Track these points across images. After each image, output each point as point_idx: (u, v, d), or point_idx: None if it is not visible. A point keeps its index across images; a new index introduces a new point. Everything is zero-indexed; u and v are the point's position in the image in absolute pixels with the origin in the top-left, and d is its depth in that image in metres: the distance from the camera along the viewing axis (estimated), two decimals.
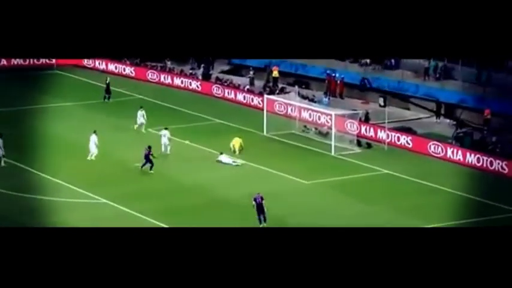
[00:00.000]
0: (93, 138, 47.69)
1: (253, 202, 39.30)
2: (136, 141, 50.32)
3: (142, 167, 45.77)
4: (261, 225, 39.01)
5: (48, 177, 44.96)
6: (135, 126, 52.75)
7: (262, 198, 39.30)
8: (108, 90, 60.04)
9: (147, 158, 45.63)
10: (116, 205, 41.54)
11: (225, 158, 47.69)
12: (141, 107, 53.56)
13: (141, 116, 52.81)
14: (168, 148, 48.79)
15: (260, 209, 39.19)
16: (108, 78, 61.02)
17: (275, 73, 63.55)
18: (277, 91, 60.43)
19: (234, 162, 47.58)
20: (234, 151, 49.11)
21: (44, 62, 67.58)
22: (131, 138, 51.53)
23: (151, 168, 45.57)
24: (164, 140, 48.86)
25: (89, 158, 47.47)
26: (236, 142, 49.37)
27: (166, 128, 49.63)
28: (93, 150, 47.54)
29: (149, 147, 45.85)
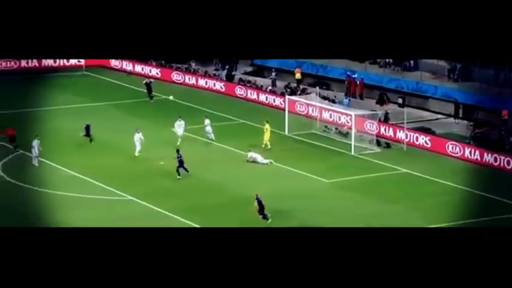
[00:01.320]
0: (137, 136, 47.68)
1: (256, 201, 39.03)
2: (162, 140, 50.27)
3: (179, 173, 44.51)
4: (269, 222, 38.78)
5: (76, 174, 44.99)
6: (136, 152, 48.20)
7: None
8: (150, 91, 60.37)
9: (180, 162, 44.59)
10: (142, 202, 41.35)
11: (254, 155, 47.40)
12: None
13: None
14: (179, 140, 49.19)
15: (261, 206, 38.96)
16: (148, 80, 61.38)
17: (298, 75, 63.35)
18: (299, 92, 60.22)
19: (262, 160, 47.22)
20: (266, 145, 49.19)
21: (73, 63, 67.65)
22: (157, 138, 51.38)
23: (179, 171, 44.59)
24: (180, 132, 49.79)
25: (136, 154, 47.44)
26: (266, 134, 49.53)
27: (179, 117, 50.33)
28: (138, 146, 47.44)
29: (177, 151, 45.21)
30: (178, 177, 44.49)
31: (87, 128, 50.67)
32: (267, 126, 50.29)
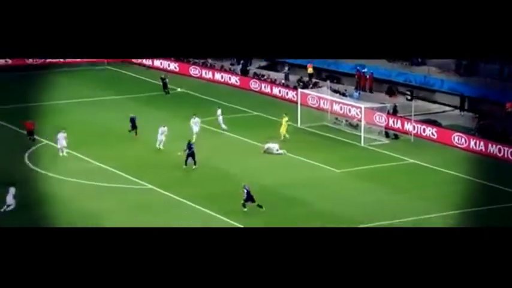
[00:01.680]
0: (162, 130, 47.39)
1: (244, 190, 38.82)
2: (182, 131, 50.46)
3: (186, 163, 44.33)
4: (245, 209, 38.74)
5: (100, 164, 45.03)
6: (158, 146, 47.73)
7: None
8: (165, 86, 60.21)
9: (192, 154, 44.20)
10: (161, 191, 41.35)
11: (271, 145, 47.36)
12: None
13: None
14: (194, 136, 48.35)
15: (249, 196, 38.75)
16: (164, 74, 61.16)
17: (310, 69, 63.27)
18: (311, 86, 60.18)
19: (277, 150, 47.17)
20: (284, 137, 49.23)
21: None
22: (176, 129, 51.46)
23: (188, 162, 44.44)
24: (195, 129, 48.86)
25: (157, 146, 47.23)
26: (283, 126, 49.58)
27: (194, 114, 49.67)
28: (160, 138, 47.24)
29: (189, 142, 45.01)
30: (184, 166, 44.22)
31: (133, 120, 49.69)
32: (286, 118, 50.23)
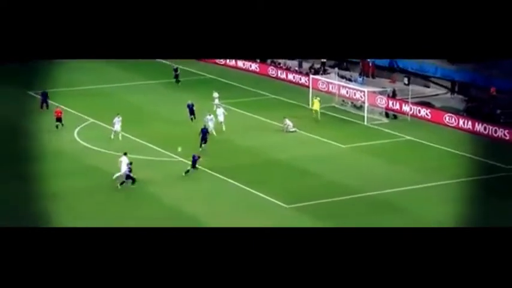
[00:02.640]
0: (208, 118, 45.34)
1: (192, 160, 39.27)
2: (202, 112, 50.95)
3: (201, 145, 42.78)
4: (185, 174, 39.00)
5: (136, 138, 45.44)
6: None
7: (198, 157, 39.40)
8: (176, 76, 58.05)
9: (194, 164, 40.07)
10: (189, 162, 41.73)
11: (289, 122, 47.33)
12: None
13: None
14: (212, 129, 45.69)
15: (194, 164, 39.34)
16: (175, 65, 58.93)
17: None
18: (321, 72, 60.40)
19: (291, 128, 47.05)
20: (316, 112, 49.34)
21: None
22: (201, 110, 51.92)
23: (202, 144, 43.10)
24: (210, 125, 45.71)
25: (214, 133, 45.19)
26: (316, 104, 49.62)
27: (208, 113, 46.64)
28: (211, 126, 45.28)
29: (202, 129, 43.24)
30: (200, 148, 42.91)
31: (190, 107, 47.49)
32: (318, 98, 50.30)
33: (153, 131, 47.43)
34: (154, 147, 44.34)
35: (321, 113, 51.18)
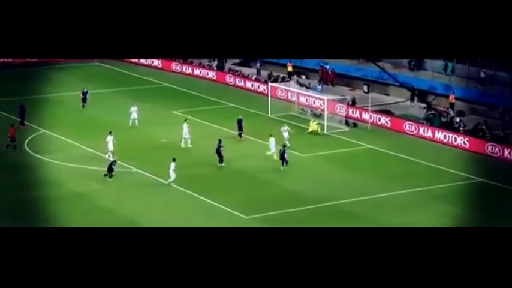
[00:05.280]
0: (185, 127, 45.75)
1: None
2: (165, 121, 50.98)
3: (220, 162, 42.72)
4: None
5: (89, 149, 45.49)
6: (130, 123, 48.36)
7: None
8: (84, 99, 53.89)
9: (219, 152, 42.49)
10: (145, 173, 41.99)
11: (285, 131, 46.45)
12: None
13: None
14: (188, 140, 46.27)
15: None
16: (85, 89, 54.90)
17: (289, 68, 62.61)
18: (279, 80, 60.70)
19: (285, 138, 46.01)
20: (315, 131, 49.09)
21: None
22: (160, 119, 52.06)
23: (221, 161, 42.97)
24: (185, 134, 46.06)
25: (183, 145, 45.53)
26: (313, 126, 49.57)
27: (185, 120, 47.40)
28: (187, 136, 45.62)
29: (219, 141, 43.17)
30: (221, 164, 42.88)
31: (239, 122, 47.20)
32: (316, 122, 50.03)
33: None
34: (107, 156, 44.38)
35: (280, 121, 51.31)
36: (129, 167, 42.90)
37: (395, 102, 57.05)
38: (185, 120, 47.61)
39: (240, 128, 47.96)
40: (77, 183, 40.34)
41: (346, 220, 35.98)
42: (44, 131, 49.28)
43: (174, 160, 40.07)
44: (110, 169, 40.62)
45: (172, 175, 39.73)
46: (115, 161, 41.20)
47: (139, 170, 42.43)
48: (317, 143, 48.30)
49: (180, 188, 39.79)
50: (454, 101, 53.54)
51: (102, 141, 44.40)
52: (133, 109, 49.89)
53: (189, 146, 46.16)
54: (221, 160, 43.07)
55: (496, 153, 45.82)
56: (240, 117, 48.68)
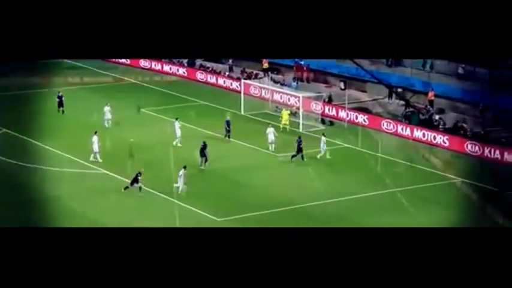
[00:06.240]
0: (177, 125, 45.55)
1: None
2: (137, 121, 49.99)
3: (203, 163, 41.97)
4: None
5: (59, 152, 44.61)
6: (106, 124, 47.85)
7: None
8: (60, 103, 51.60)
9: (203, 153, 41.89)
10: (113, 174, 41.19)
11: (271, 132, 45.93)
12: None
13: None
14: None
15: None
16: (61, 92, 52.78)
17: (265, 65, 61.77)
18: (253, 76, 60.07)
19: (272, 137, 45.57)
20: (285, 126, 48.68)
21: None
22: (132, 118, 51.09)
23: (206, 162, 42.16)
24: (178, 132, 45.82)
25: (174, 143, 45.21)
26: (285, 116, 48.99)
27: (177, 118, 46.99)
28: (179, 134, 45.30)
29: (204, 143, 42.48)
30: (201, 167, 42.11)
31: (227, 123, 46.49)
32: (288, 111, 49.55)
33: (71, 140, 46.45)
34: (76, 158, 43.42)
35: (253, 119, 50.83)
36: (97, 168, 42.15)
37: (373, 100, 56.65)
38: (176, 119, 46.54)
39: (228, 129, 46.93)
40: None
41: (323, 222, 35.45)
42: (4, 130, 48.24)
43: (185, 168, 38.62)
44: (136, 180, 38.29)
45: (181, 184, 38.25)
46: (140, 173, 38.59)
47: (107, 172, 41.54)
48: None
49: (150, 190, 38.94)
50: (433, 98, 53.19)
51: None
52: (107, 109, 48.60)
53: (179, 145, 45.55)
54: (205, 161, 42.15)
55: (476, 152, 45.33)
56: (227, 118, 47.91)
